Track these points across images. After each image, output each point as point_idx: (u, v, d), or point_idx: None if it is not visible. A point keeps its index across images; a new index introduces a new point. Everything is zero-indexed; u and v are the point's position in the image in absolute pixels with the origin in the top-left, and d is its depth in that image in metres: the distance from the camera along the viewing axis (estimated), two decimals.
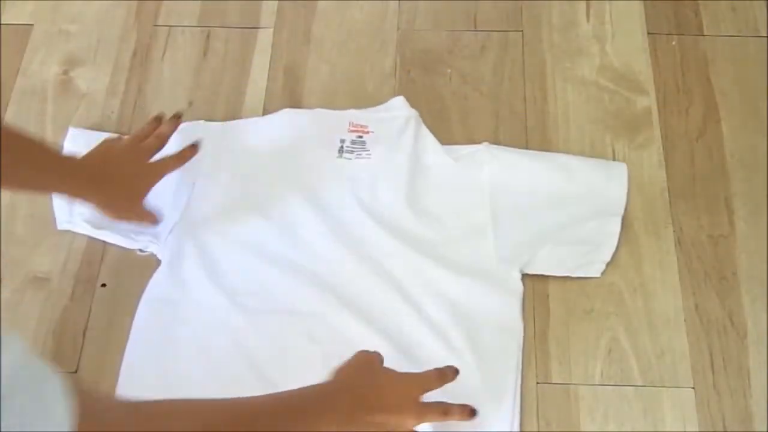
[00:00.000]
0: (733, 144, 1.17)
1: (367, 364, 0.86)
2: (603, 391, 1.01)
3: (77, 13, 1.32)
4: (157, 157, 1.05)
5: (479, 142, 1.16)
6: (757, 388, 1.01)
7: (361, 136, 1.16)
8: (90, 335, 1.06)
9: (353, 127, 1.16)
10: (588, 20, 1.29)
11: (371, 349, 0.88)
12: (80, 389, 0.55)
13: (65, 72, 1.26)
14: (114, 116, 1.22)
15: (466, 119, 1.20)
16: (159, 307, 1.05)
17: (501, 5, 1.31)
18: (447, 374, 0.86)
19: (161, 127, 1.08)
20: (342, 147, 1.15)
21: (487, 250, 1.07)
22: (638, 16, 1.29)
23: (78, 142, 1.16)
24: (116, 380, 1.00)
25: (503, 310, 1.03)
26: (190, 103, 1.23)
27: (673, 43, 1.26)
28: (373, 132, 1.16)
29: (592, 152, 1.17)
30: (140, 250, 1.10)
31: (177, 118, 1.10)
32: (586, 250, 1.07)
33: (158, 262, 1.08)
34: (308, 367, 0.99)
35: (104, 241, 1.11)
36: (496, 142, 1.17)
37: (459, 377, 0.95)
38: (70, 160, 1.02)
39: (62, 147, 1.16)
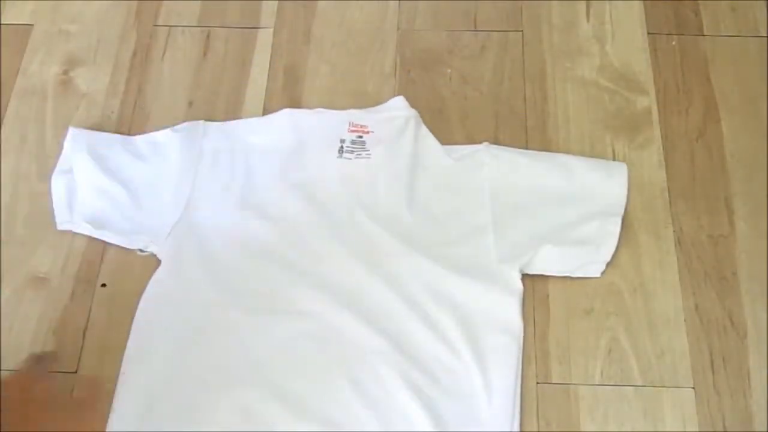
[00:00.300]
0: (733, 144, 1.17)
1: None
2: (603, 391, 1.01)
3: (77, 13, 1.32)
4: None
5: (479, 142, 1.16)
6: (757, 388, 1.01)
7: (361, 136, 1.16)
8: (90, 335, 1.06)
9: (353, 127, 1.16)
10: (588, 20, 1.29)
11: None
12: None
13: (65, 72, 1.26)
14: (114, 116, 1.22)
15: (466, 119, 1.20)
16: (159, 307, 1.05)
17: (501, 5, 1.31)
18: None
19: None
20: (342, 147, 1.15)
21: (487, 250, 1.07)
22: (638, 16, 1.29)
23: (78, 142, 1.16)
24: (116, 380, 1.00)
25: (503, 310, 1.03)
26: (190, 103, 1.23)
27: (673, 43, 1.26)
28: (373, 132, 1.16)
29: (592, 152, 1.17)
30: (140, 250, 1.10)
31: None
32: (586, 250, 1.07)
33: (158, 262, 1.08)
34: (308, 367, 1.00)
35: (104, 241, 1.11)
36: (496, 142, 1.17)
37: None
38: None
39: (62, 147, 1.16)
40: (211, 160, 1.15)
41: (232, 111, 1.22)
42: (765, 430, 0.98)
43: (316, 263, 1.07)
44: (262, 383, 0.99)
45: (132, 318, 1.04)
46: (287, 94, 1.24)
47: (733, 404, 1.00)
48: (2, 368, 1.03)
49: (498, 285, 1.04)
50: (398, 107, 1.18)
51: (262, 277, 1.06)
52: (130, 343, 1.03)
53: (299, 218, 1.10)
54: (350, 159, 1.14)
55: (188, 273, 1.07)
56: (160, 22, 1.31)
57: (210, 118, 1.20)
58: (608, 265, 1.07)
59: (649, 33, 1.27)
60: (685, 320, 1.05)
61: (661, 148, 1.17)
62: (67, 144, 1.17)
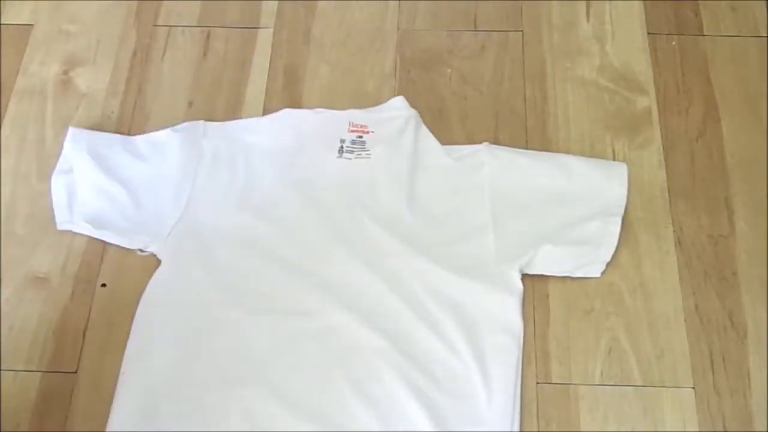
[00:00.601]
0: (733, 144, 1.17)
1: None
2: (603, 391, 1.01)
3: (77, 13, 1.32)
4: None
5: (479, 142, 1.16)
6: (757, 388, 1.01)
7: (361, 136, 1.16)
8: (90, 335, 1.06)
9: (353, 127, 1.16)
10: (588, 20, 1.29)
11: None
12: None
13: (65, 72, 1.26)
14: (114, 116, 1.22)
15: (466, 119, 1.20)
16: (159, 307, 1.05)
17: (501, 5, 1.31)
18: None
19: None
20: (342, 147, 1.15)
21: (487, 250, 1.07)
22: (638, 16, 1.29)
23: (78, 142, 1.16)
24: (116, 380, 1.00)
25: (503, 310, 1.03)
26: (190, 103, 1.23)
27: (673, 43, 1.26)
28: (373, 132, 1.16)
29: (592, 152, 1.17)
30: (140, 250, 1.10)
31: None
32: (586, 250, 1.07)
33: (158, 262, 1.08)
34: (308, 367, 1.00)
35: (104, 241, 1.11)
36: (496, 142, 1.17)
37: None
38: None
39: (62, 147, 1.16)
40: (211, 160, 1.15)
41: (232, 111, 1.22)
42: (765, 430, 0.98)
43: (316, 263, 1.07)
44: (262, 383, 0.99)
45: (132, 318, 1.04)
46: (287, 94, 1.24)
47: (733, 404, 1.00)
48: (2, 368, 1.04)
49: (498, 285, 1.04)
50: (398, 107, 1.18)
51: (262, 277, 1.06)
52: (130, 343, 1.03)
53: (299, 218, 1.10)
54: (350, 159, 1.14)
55: (188, 273, 1.07)
56: (160, 22, 1.31)
57: (210, 118, 1.20)
58: (608, 265, 1.07)
59: (649, 33, 1.27)
60: (685, 320, 1.05)
61: (661, 148, 1.17)
62: (67, 144, 1.17)
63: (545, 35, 1.28)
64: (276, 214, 1.11)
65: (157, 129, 1.18)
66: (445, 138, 1.17)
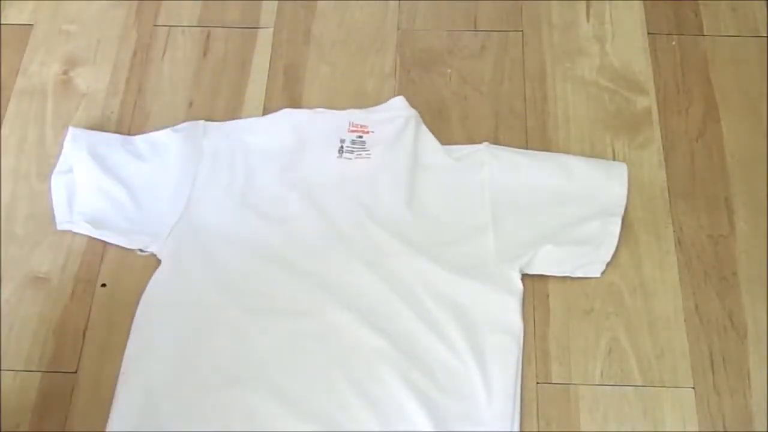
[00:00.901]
0: (733, 144, 1.17)
1: None
2: (603, 391, 1.01)
3: (77, 13, 1.32)
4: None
5: (479, 142, 1.16)
6: (757, 388, 1.01)
7: (361, 136, 1.16)
8: (90, 335, 1.06)
9: (353, 127, 1.16)
10: (588, 20, 1.29)
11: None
12: None
13: (65, 72, 1.26)
14: (114, 116, 1.22)
15: (466, 119, 1.20)
16: (159, 307, 1.05)
17: (501, 5, 1.31)
18: None
19: None
20: (342, 147, 1.15)
21: (487, 249, 1.07)
22: (638, 16, 1.29)
23: (78, 142, 1.16)
24: (116, 380, 1.00)
25: (503, 310, 1.03)
26: (190, 103, 1.23)
27: (673, 43, 1.26)
28: (373, 132, 1.16)
29: (592, 152, 1.17)
30: (140, 250, 1.10)
31: None
32: (586, 250, 1.07)
33: (158, 262, 1.08)
34: (308, 367, 1.00)
35: (104, 241, 1.11)
36: (496, 142, 1.17)
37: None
38: None
39: (62, 147, 1.16)
40: (211, 160, 1.15)
41: (232, 111, 1.22)
42: (765, 430, 0.98)
43: (316, 263, 1.07)
44: (262, 383, 0.99)
45: (132, 318, 1.04)
46: (287, 94, 1.24)
47: (733, 404, 1.00)
48: (2, 368, 1.04)
49: (498, 285, 1.04)
50: (398, 107, 1.18)
51: (262, 277, 1.06)
52: (130, 343, 1.03)
53: (299, 218, 1.10)
54: (350, 159, 1.14)
55: (188, 273, 1.07)
56: (160, 22, 1.31)
57: (210, 118, 1.20)
58: (608, 265, 1.07)
59: (649, 33, 1.27)
60: (685, 320, 1.05)
61: (661, 148, 1.17)
62: (67, 144, 1.17)
63: (545, 35, 1.28)
64: (276, 214, 1.11)
65: (157, 129, 1.18)
66: (445, 138, 1.17)
